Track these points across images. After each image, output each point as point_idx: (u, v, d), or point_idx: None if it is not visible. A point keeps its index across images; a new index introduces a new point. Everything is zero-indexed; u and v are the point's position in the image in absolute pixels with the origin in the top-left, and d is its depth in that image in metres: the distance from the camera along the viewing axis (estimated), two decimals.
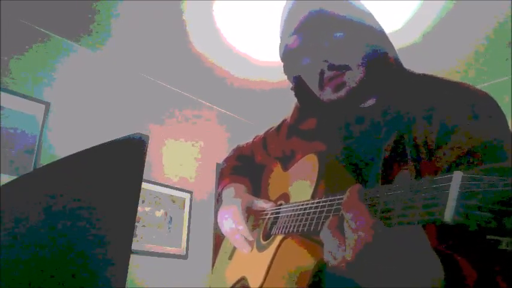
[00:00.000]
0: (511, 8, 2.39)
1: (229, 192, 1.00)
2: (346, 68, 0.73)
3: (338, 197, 0.58)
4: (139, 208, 2.75)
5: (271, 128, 1.07)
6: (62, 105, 2.62)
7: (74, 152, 0.56)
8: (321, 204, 0.62)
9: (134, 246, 2.63)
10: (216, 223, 1.04)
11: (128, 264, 0.48)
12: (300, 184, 0.80)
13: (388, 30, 0.80)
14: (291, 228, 0.70)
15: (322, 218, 0.60)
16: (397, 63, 0.78)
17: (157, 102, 3.17)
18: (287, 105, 1.02)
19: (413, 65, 0.81)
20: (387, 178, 0.67)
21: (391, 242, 0.45)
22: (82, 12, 2.47)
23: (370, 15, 0.80)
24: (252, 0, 2.36)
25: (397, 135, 0.70)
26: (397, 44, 0.80)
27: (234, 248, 0.95)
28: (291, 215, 0.72)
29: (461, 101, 0.67)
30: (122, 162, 0.53)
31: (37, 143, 2.42)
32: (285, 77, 0.88)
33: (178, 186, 3.08)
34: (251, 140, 1.14)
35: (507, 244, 0.35)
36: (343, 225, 0.49)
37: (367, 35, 0.75)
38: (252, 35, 2.67)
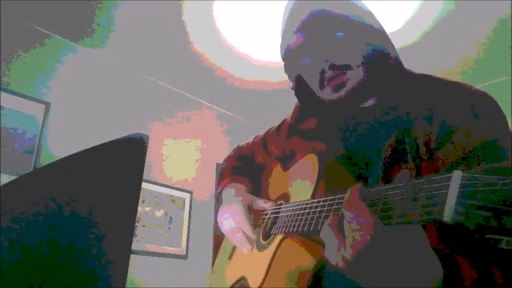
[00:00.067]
0: (511, 8, 2.39)
1: (229, 192, 1.00)
2: (347, 67, 0.73)
3: (338, 196, 0.58)
4: (139, 208, 2.75)
5: (271, 128, 1.07)
6: (62, 105, 2.62)
7: (74, 152, 0.56)
8: (321, 204, 0.62)
9: (134, 246, 2.63)
10: (216, 223, 1.04)
11: (127, 264, 0.48)
12: (300, 184, 0.80)
13: (388, 30, 0.80)
14: (291, 228, 0.70)
15: (322, 217, 0.60)
16: (397, 63, 0.78)
17: (157, 102, 3.17)
18: (287, 105, 1.02)
19: (413, 65, 0.81)
20: (387, 178, 0.67)
21: (391, 241, 0.45)
22: (82, 12, 2.47)
23: (370, 14, 0.80)
24: (252, 0, 2.36)
25: (398, 135, 0.70)
26: (397, 44, 0.80)
27: (234, 248, 0.95)
28: (291, 214, 0.72)
29: (462, 101, 0.67)
30: (122, 162, 0.53)
31: (37, 143, 2.42)
32: (285, 77, 0.88)
33: (178, 186, 3.08)
34: (251, 140, 1.14)
35: (507, 243, 0.35)
36: (343, 224, 0.49)
37: (368, 35, 0.75)
38: (252, 35, 2.67)
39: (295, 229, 0.68)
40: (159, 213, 2.91)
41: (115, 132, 2.20)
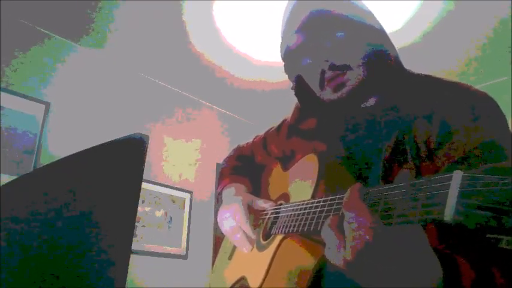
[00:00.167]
0: (511, 8, 2.39)
1: (229, 192, 1.00)
2: (347, 67, 0.73)
3: (338, 196, 0.58)
4: (139, 208, 2.75)
5: (271, 128, 1.07)
6: (62, 105, 2.62)
7: (74, 152, 0.56)
8: (321, 203, 0.62)
9: (134, 246, 2.63)
10: (216, 223, 1.04)
11: (127, 264, 0.48)
12: (300, 184, 0.80)
13: (388, 30, 0.80)
14: (291, 228, 0.70)
15: (322, 217, 0.60)
16: (397, 63, 0.78)
17: (157, 102, 3.17)
18: (287, 105, 1.02)
19: (413, 65, 0.81)
20: (387, 178, 0.67)
21: (390, 241, 0.45)
22: (82, 12, 2.47)
23: (370, 14, 0.80)
24: (252, 0, 2.36)
25: (398, 135, 0.70)
26: (397, 44, 0.80)
27: (234, 248, 0.95)
28: (291, 214, 0.72)
29: (462, 102, 0.67)
30: (122, 162, 0.53)
31: (37, 143, 2.42)
32: (285, 77, 0.88)
33: (178, 186, 3.08)
34: (251, 140, 1.14)
35: (507, 243, 0.35)
36: (344, 224, 0.49)
37: (368, 35, 0.75)
38: (252, 35, 2.67)
39: (295, 229, 0.68)
40: (159, 213, 2.91)
41: (115, 132, 2.20)
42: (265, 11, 2.43)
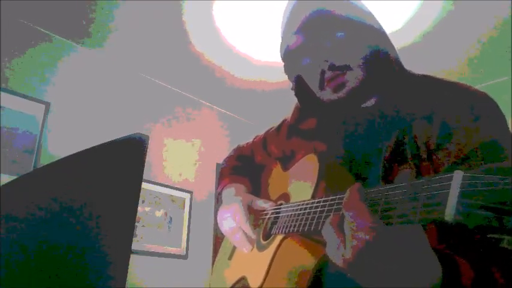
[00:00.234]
0: (511, 8, 2.39)
1: (229, 192, 1.00)
2: (347, 68, 0.73)
3: (339, 196, 0.58)
4: (139, 208, 2.75)
5: (271, 128, 1.07)
6: (62, 105, 2.62)
7: (74, 152, 0.56)
8: (321, 203, 0.62)
9: (134, 246, 2.63)
10: (216, 223, 1.04)
11: (128, 264, 0.48)
12: (300, 184, 0.80)
13: (388, 30, 0.80)
14: (291, 227, 0.70)
15: (323, 217, 0.60)
16: (397, 63, 0.78)
17: (157, 102, 3.17)
18: (287, 105, 1.02)
19: (413, 65, 0.81)
20: (387, 178, 0.67)
21: (390, 241, 0.45)
22: (82, 12, 2.47)
23: (370, 15, 0.80)
24: (252, 0, 2.36)
25: (398, 135, 0.70)
26: (397, 44, 0.80)
27: (234, 248, 0.95)
28: (291, 214, 0.72)
29: (461, 102, 0.67)
30: (122, 162, 0.53)
31: (37, 143, 2.42)
32: (285, 77, 0.88)
33: (178, 186, 3.08)
34: (251, 140, 1.14)
35: (508, 242, 0.35)
36: (344, 224, 0.49)
37: (367, 35, 0.75)
38: (252, 35, 2.67)
39: (295, 229, 0.68)
40: (159, 213, 2.91)
41: (115, 132, 2.20)
42: (265, 11, 2.43)
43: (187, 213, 3.08)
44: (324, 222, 0.56)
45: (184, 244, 2.98)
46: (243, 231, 0.88)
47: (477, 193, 0.36)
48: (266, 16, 2.47)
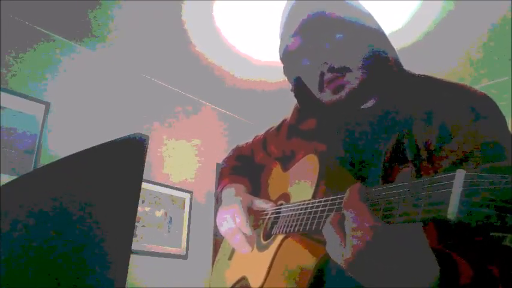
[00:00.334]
0: (511, 8, 2.39)
1: (229, 192, 1.00)
2: (346, 70, 0.73)
3: (339, 196, 0.58)
4: (139, 208, 2.75)
5: (271, 128, 1.07)
6: (62, 105, 2.62)
7: (74, 152, 0.56)
8: (322, 203, 0.62)
9: (134, 246, 2.63)
10: (216, 223, 1.04)
11: (128, 264, 0.48)
12: (300, 184, 0.80)
13: (388, 30, 0.80)
14: (292, 227, 0.70)
15: (324, 217, 0.60)
16: (397, 64, 0.78)
17: (157, 102, 3.17)
18: (287, 105, 1.02)
19: (413, 65, 0.81)
20: (388, 178, 0.67)
21: (390, 241, 0.45)
22: (82, 12, 2.47)
23: (369, 15, 0.80)
24: (252, 0, 2.36)
25: (398, 136, 0.70)
26: (398, 44, 0.80)
27: (234, 249, 0.95)
28: (292, 214, 0.72)
29: (461, 102, 0.67)
30: (122, 162, 0.53)
31: (37, 143, 2.42)
32: (285, 77, 0.88)
33: (178, 186, 3.08)
34: (251, 140, 1.14)
35: (510, 240, 0.35)
36: (344, 224, 0.49)
37: (367, 36, 0.75)
38: (252, 35, 2.67)
39: (296, 228, 0.68)
40: (159, 213, 2.91)
41: (115, 132, 2.20)
42: (265, 11, 2.43)
43: (187, 213, 3.08)
44: (325, 221, 0.56)
45: (184, 244, 2.98)
46: (243, 232, 0.88)
47: (479, 192, 0.36)
48: (266, 16, 2.47)
